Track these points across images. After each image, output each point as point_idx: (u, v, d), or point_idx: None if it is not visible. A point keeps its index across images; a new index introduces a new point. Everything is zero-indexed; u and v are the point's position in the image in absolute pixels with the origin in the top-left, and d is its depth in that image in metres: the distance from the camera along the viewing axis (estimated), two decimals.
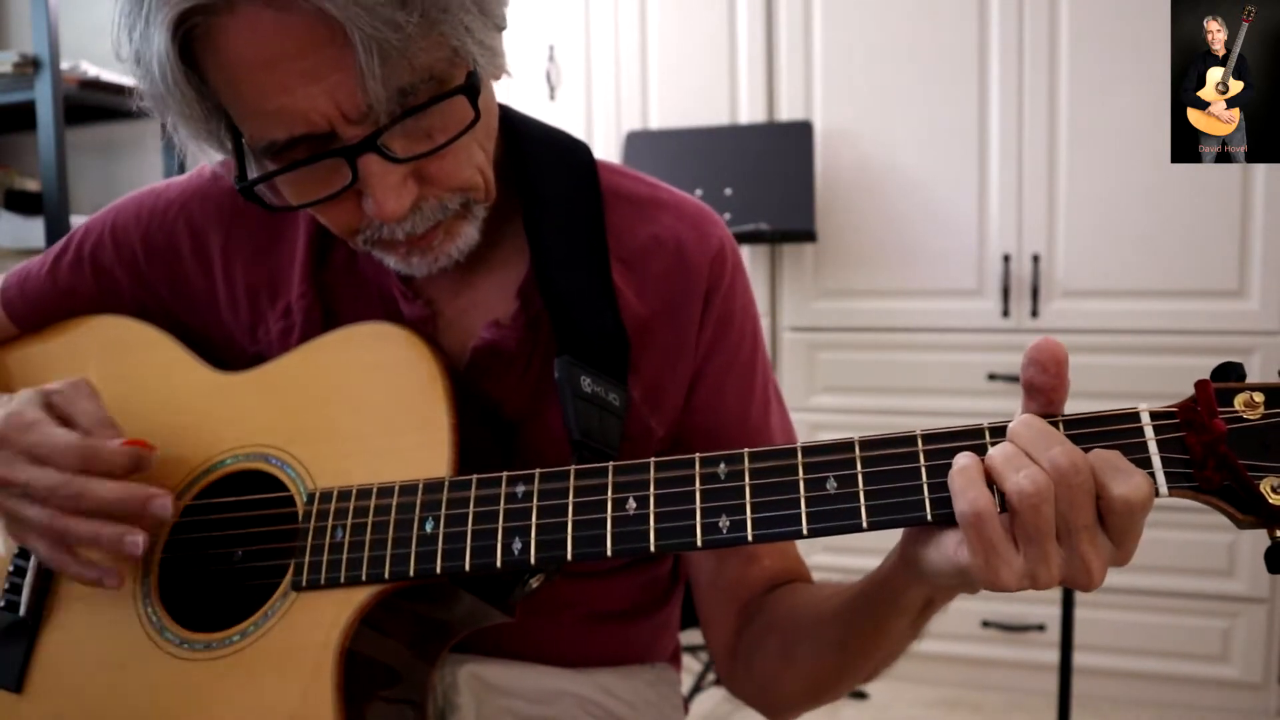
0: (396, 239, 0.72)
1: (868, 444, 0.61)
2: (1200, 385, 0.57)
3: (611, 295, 0.80)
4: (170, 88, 0.65)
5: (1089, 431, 0.58)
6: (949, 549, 0.58)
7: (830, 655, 0.75)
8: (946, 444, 0.59)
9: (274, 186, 0.71)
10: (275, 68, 0.62)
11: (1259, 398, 0.56)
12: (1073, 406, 0.59)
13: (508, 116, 0.84)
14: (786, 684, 0.80)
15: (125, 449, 0.73)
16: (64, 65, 2.50)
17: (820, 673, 0.77)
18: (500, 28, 0.69)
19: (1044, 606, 2.51)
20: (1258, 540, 2.38)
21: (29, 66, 2.45)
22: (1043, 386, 0.58)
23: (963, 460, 0.57)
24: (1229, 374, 0.58)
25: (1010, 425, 0.57)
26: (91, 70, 2.62)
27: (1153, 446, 0.57)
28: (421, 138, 0.67)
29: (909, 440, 0.60)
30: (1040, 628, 2.55)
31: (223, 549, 0.79)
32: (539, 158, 0.84)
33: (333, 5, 0.58)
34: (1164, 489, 0.56)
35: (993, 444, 0.59)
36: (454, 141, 0.67)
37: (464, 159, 0.70)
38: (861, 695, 2.56)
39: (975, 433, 0.59)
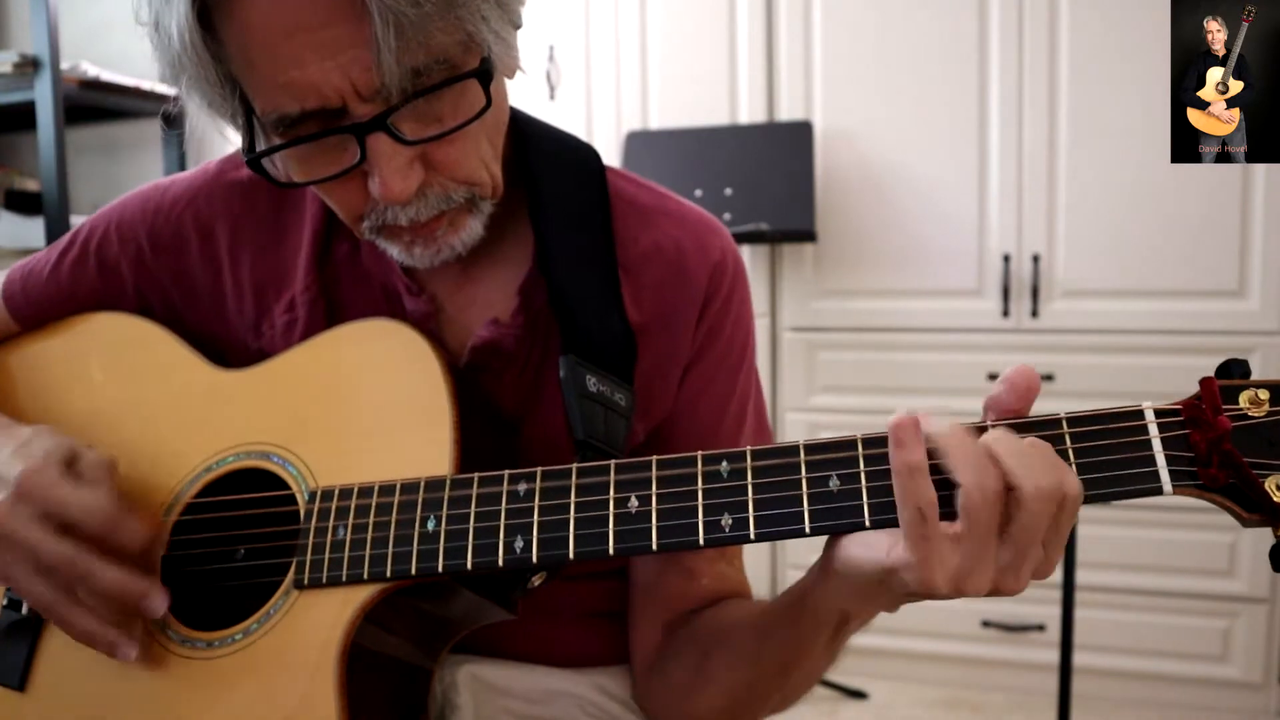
0: (400, 225, 0.72)
1: (870, 442, 0.61)
2: (1205, 383, 0.57)
3: (618, 296, 0.80)
4: (188, 52, 0.65)
5: (1093, 429, 0.58)
6: (880, 552, 0.58)
7: (744, 668, 0.75)
8: None
9: (281, 163, 0.71)
10: (292, 39, 0.62)
11: (1264, 395, 0.56)
12: (1073, 406, 0.59)
13: (515, 117, 0.84)
14: (699, 699, 0.80)
15: (145, 531, 0.72)
16: (64, 65, 2.50)
17: (733, 688, 0.77)
18: (516, 25, 0.70)
19: (1044, 606, 2.51)
20: (1258, 540, 2.38)
21: (29, 66, 2.45)
22: (1005, 407, 0.59)
23: (903, 454, 0.57)
24: (1233, 371, 0.58)
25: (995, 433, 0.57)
26: (91, 70, 2.62)
27: (1157, 444, 0.57)
28: (432, 121, 0.67)
29: None
30: (1040, 628, 2.55)
31: (225, 547, 0.79)
32: (547, 158, 0.84)
33: None
34: (1168, 487, 0.56)
35: None
36: (464, 127, 0.67)
37: (471, 149, 0.71)
38: (861, 695, 2.56)
39: (977, 430, 0.59)
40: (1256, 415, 0.56)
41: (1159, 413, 0.57)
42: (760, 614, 0.74)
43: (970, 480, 0.55)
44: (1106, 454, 0.57)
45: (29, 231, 2.81)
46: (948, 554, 0.56)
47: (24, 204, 2.90)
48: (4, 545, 0.70)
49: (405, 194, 0.68)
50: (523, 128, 0.85)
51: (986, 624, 2.59)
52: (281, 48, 0.63)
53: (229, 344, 0.87)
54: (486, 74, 0.66)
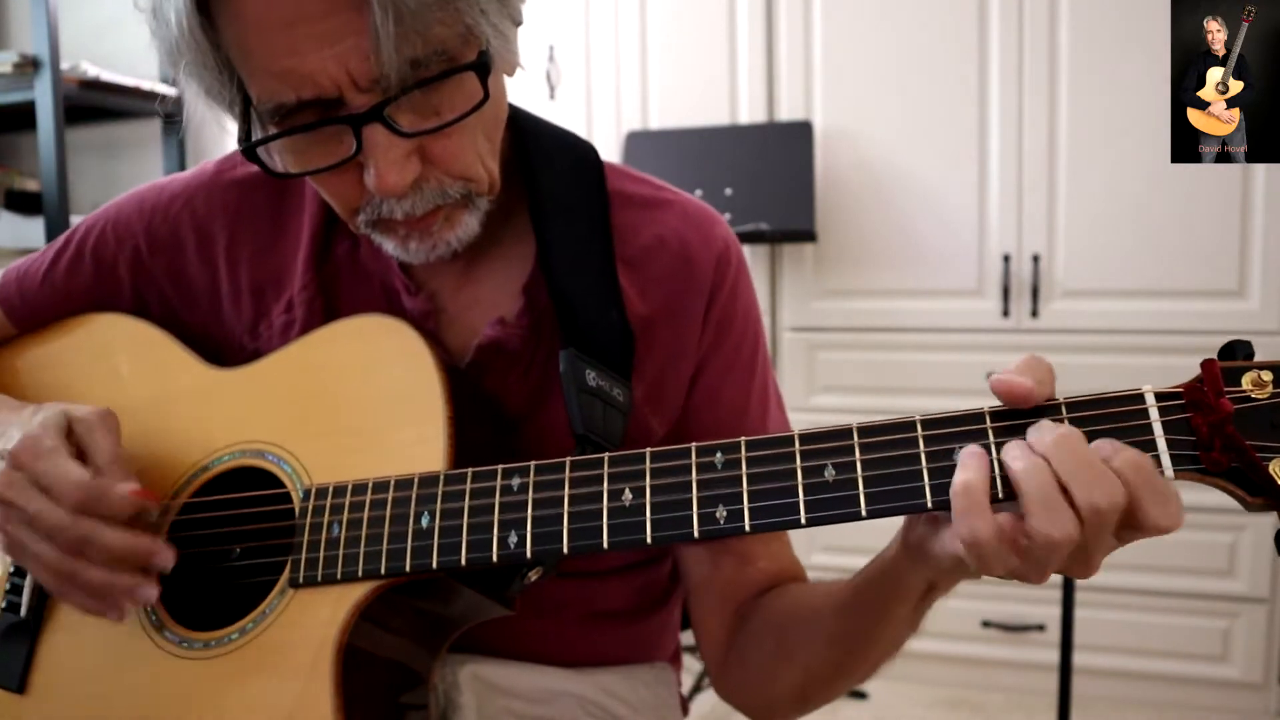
0: (395, 219, 0.71)
1: (866, 431, 0.60)
2: (1206, 364, 0.56)
3: (617, 292, 0.80)
4: (185, 38, 0.65)
5: (1092, 414, 0.57)
6: (946, 541, 0.58)
7: (829, 649, 0.75)
8: (946, 429, 0.59)
9: (278, 153, 0.71)
10: (291, 28, 0.62)
11: (1267, 376, 0.55)
12: None
13: (515, 115, 0.84)
14: (782, 682, 0.80)
15: (131, 499, 0.71)
16: (64, 65, 2.50)
17: (817, 668, 0.77)
18: (516, 22, 0.70)
19: (1044, 607, 2.51)
20: (1258, 540, 2.37)
21: (29, 66, 2.45)
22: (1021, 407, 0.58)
23: (966, 472, 0.55)
24: (1236, 352, 0.56)
25: (1046, 440, 0.54)
26: (91, 70, 2.62)
27: (1157, 428, 0.55)
28: (429, 114, 0.67)
29: (908, 426, 0.59)
30: (1040, 628, 2.55)
31: (221, 547, 0.79)
32: (546, 155, 0.84)
33: None
34: (1169, 472, 0.55)
35: (994, 428, 0.58)
36: (461, 120, 0.67)
37: (469, 144, 0.70)
38: (861, 695, 2.55)
39: (975, 417, 0.58)
40: (1260, 397, 0.54)
41: (1159, 396, 0.56)
42: (840, 593, 0.73)
43: (1039, 526, 0.53)
44: (1107, 438, 0.56)
45: (29, 231, 2.82)
46: (1007, 556, 0.55)
47: (24, 204, 2.91)
48: (7, 514, 0.71)
49: (400, 187, 0.67)
50: (522, 125, 0.84)
51: (986, 624, 2.59)
52: (278, 37, 0.63)
53: (226, 345, 0.87)
54: (484, 67, 0.66)
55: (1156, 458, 0.55)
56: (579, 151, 0.86)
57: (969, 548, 0.55)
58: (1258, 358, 0.56)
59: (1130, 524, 0.54)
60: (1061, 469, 0.53)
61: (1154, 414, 0.56)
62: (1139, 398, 0.56)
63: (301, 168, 0.70)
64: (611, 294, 0.80)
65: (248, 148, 0.69)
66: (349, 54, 0.62)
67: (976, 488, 0.55)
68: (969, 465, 0.56)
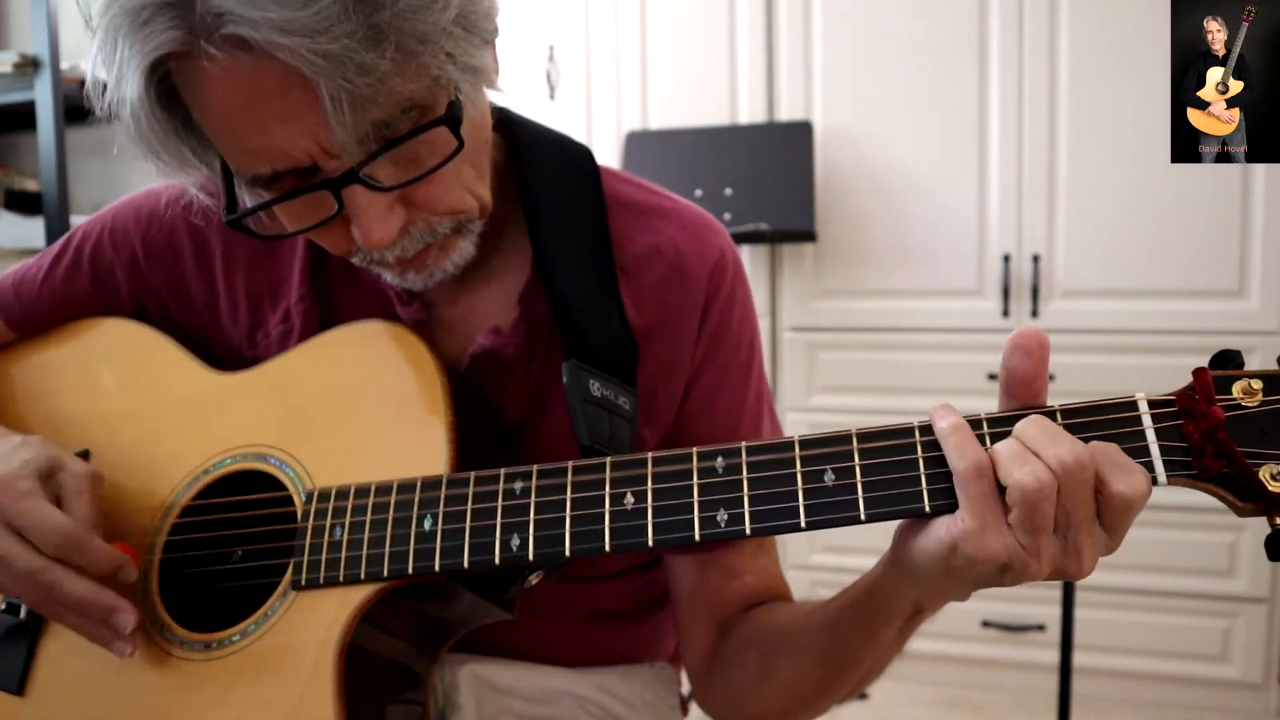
0: (388, 261, 0.71)
1: (865, 435, 0.61)
2: (1198, 373, 0.57)
3: (617, 298, 0.80)
4: (145, 132, 0.65)
5: (1087, 420, 0.58)
6: (940, 531, 0.58)
7: (812, 668, 0.75)
8: None
9: (266, 213, 0.71)
10: (252, 110, 0.62)
11: (1257, 385, 0.57)
12: None
13: (509, 120, 0.83)
14: (763, 699, 0.80)
15: (111, 552, 0.72)
16: (64, 65, 2.50)
17: (800, 687, 0.77)
18: (489, 41, 0.68)
19: (1044, 606, 2.51)
20: (1258, 540, 2.37)
21: (29, 66, 2.45)
22: (1026, 375, 0.58)
23: (950, 418, 0.58)
24: (1227, 362, 0.58)
25: (1018, 423, 0.57)
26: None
27: (1151, 435, 0.57)
28: (409, 163, 0.66)
29: (906, 432, 0.60)
30: (1040, 628, 2.55)
31: (222, 549, 0.79)
32: (541, 162, 0.83)
33: (297, 59, 0.57)
34: (1162, 478, 0.56)
35: (991, 434, 0.59)
36: (440, 168, 0.66)
37: (452, 182, 0.69)
38: (862, 695, 2.56)
39: (973, 424, 0.59)
40: (1250, 405, 0.56)
41: (1152, 404, 0.58)
42: (825, 612, 0.73)
43: (1016, 479, 0.55)
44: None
45: (29, 231, 2.81)
46: (1005, 525, 0.56)
47: (24, 204, 2.90)
48: None
49: (387, 239, 0.67)
50: (515, 130, 0.84)
51: (986, 624, 2.59)
52: (242, 119, 0.62)
53: (224, 352, 0.87)
54: (455, 119, 0.64)
55: (1150, 464, 0.56)
56: (575, 156, 0.85)
57: (972, 483, 0.56)
58: (1256, 359, 0.57)
59: (1102, 501, 0.55)
60: (1028, 439, 0.57)
61: (1147, 421, 0.57)
62: (1132, 405, 0.58)
63: (293, 227, 0.70)
64: (612, 301, 0.79)
65: (230, 221, 0.69)
66: (314, 126, 0.61)
67: (961, 423, 0.58)
68: (942, 413, 0.59)
